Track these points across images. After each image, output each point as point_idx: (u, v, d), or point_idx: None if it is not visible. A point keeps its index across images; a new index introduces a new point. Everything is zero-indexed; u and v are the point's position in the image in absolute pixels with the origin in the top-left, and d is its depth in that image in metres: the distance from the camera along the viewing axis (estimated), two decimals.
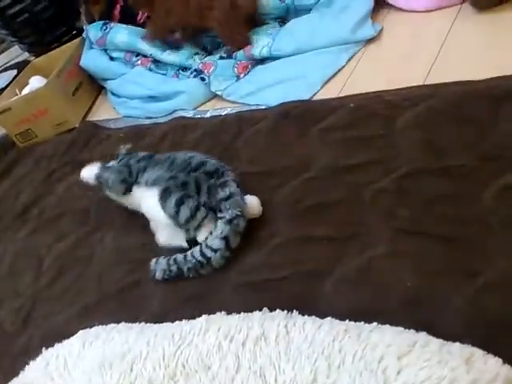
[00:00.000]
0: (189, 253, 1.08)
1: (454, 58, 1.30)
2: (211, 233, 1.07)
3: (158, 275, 1.10)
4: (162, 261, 1.11)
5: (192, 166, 1.13)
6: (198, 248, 1.07)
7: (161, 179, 1.13)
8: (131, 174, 1.21)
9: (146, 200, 1.15)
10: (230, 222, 1.05)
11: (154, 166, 1.18)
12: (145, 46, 1.84)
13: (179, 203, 1.07)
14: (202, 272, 1.07)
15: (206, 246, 1.06)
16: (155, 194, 1.11)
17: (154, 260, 1.13)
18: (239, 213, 1.06)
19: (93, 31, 1.96)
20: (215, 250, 1.05)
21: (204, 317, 0.90)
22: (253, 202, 1.13)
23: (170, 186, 1.10)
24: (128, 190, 1.21)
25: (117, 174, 1.22)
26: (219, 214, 1.07)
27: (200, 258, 1.05)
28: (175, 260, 1.09)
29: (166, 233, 1.15)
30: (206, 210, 1.07)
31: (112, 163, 1.29)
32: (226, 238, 1.05)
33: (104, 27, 1.95)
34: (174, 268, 1.08)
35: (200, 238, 1.09)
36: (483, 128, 1.06)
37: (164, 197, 1.09)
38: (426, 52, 1.35)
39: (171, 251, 1.13)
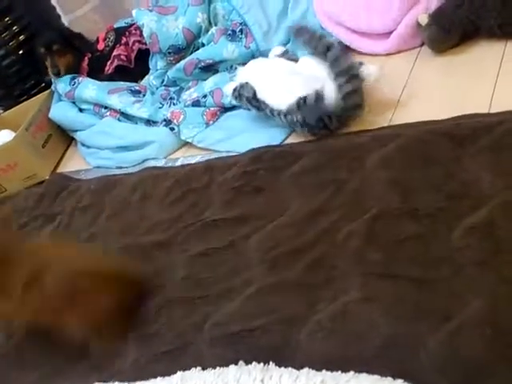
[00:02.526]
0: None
1: (416, 99, 1.33)
2: None
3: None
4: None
5: None
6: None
7: None
8: None
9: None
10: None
11: None
12: (113, 101, 1.85)
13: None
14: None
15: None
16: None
17: None
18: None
19: (61, 85, 1.97)
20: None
21: (179, 374, 0.88)
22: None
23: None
24: None
25: None
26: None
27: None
28: None
29: None
30: None
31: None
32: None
33: (72, 82, 1.95)
34: None
35: None
36: (448, 167, 1.07)
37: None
38: (389, 93, 1.38)
39: None
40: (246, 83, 1.44)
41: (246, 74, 1.49)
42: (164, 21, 1.82)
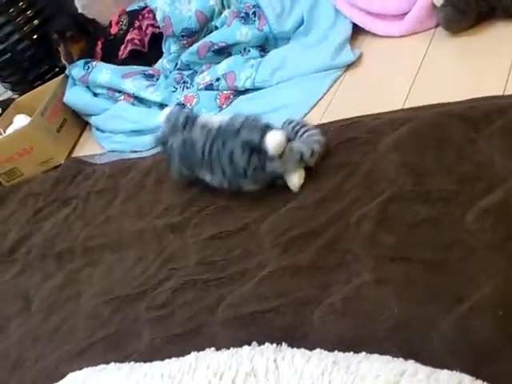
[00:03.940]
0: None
1: (430, 81, 1.32)
2: None
3: None
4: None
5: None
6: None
7: None
8: None
9: None
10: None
11: None
12: (127, 85, 1.86)
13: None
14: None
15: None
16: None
17: None
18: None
19: (75, 70, 1.98)
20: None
21: (193, 354, 0.89)
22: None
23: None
24: None
25: None
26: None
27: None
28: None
29: None
30: None
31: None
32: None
33: (86, 66, 1.96)
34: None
35: None
36: (462, 150, 1.07)
37: None
38: (403, 76, 1.37)
39: None
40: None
41: None
42: (177, 3, 1.82)
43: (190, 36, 1.84)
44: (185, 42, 1.85)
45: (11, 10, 2.12)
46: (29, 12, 2.14)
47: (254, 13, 1.73)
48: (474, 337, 0.79)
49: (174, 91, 1.79)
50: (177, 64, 1.89)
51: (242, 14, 1.75)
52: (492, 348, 0.76)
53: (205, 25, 1.84)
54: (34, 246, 1.58)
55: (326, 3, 1.65)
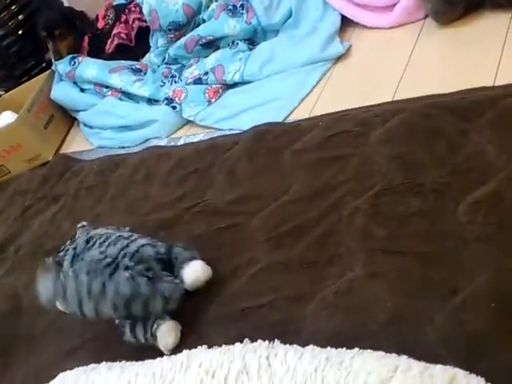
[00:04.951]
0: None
1: (420, 73, 1.31)
2: None
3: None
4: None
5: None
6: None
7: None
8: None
9: None
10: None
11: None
12: (114, 80, 1.84)
13: None
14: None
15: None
16: None
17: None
18: None
19: (61, 66, 1.95)
20: None
21: (185, 352, 0.88)
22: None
23: None
24: None
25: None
26: None
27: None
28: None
29: None
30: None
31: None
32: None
33: (72, 62, 1.93)
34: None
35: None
36: (453, 141, 1.07)
37: None
38: (393, 67, 1.36)
39: None
40: None
41: None
42: None
43: (178, 29, 1.82)
44: (172, 35, 1.83)
45: None
46: (13, 7, 2.12)
47: (242, 6, 1.71)
48: (467, 330, 0.78)
49: (162, 86, 1.78)
50: (164, 58, 1.87)
51: (230, 7, 1.73)
52: (485, 342, 0.76)
53: (192, 18, 1.82)
54: (22, 244, 1.56)
55: None
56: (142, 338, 1.01)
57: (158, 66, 1.88)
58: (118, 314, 1.01)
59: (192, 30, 1.81)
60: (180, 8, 1.79)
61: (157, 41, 1.89)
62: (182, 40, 1.78)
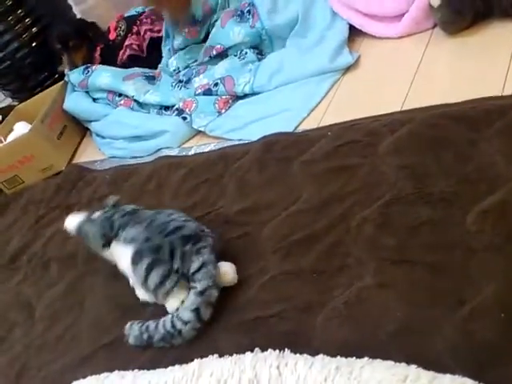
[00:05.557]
0: (161, 321, 1.04)
1: (429, 82, 1.32)
2: (183, 301, 1.03)
3: (131, 341, 1.07)
4: (135, 326, 1.08)
5: (169, 229, 1.08)
6: (169, 318, 1.03)
7: (136, 239, 1.09)
8: (112, 228, 1.16)
9: (122, 258, 1.13)
10: (201, 293, 1.01)
11: (134, 224, 1.14)
12: (127, 87, 1.86)
13: (149, 268, 1.04)
14: (173, 342, 1.02)
15: (177, 317, 1.02)
16: (129, 253, 1.09)
17: (128, 324, 1.09)
18: (211, 283, 1.02)
19: (74, 75, 1.98)
20: (186, 323, 1.01)
21: (196, 361, 0.89)
22: (227, 270, 1.08)
23: (143, 248, 1.07)
24: (107, 245, 1.17)
25: (98, 228, 1.18)
26: (191, 284, 1.03)
27: (170, 330, 1.01)
28: (147, 328, 1.05)
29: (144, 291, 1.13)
30: (176, 277, 1.04)
31: (97, 214, 1.23)
32: (197, 310, 1.01)
33: (86, 71, 1.97)
34: (145, 336, 1.05)
35: (169, 307, 1.06)
36: (462, 151, 1.07)
37: (135, 260, 1.07)
38: (402, 77, 1.37)
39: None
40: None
41: None
42: None
43: (192, 25, 1.83)
44: (186, 30, 1.84)
45: (10, 18, 2.13)
46: (27, 20, 2.16)
47: (249, 11, 1.72)
48: (476, 340, 0.78)
49: (171, 89, 1.80)
50: (188, 65, 1.88)
51: (238, 12, 1.75)
52: (494, 352, 0.76)
53: (208, 17, 1.83)
54: (36, 253, 1.58)
55: (322, 3, 1.64)
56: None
57: (177, 71, 1.88)
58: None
59: (206, 32, 1.83)
60: (200, 4, 1.81)
61: (172, 45, 1.90)
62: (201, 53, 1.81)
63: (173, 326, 1.02)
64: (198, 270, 1.03)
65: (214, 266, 1.05)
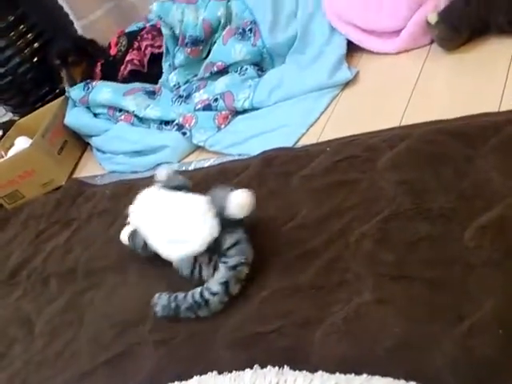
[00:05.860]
0: (190, 292, 1.08)
1: (426, 98, 1.33)
2: (213, 274, 1.07)
3: (158, 310, 1.12)
4: (164, 297, 1.12)
5: None
6: (198, 289, 1.07)
7: None
8: None
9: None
10: (232, 268, 1.06)
11: None
12: (128, 103, 1.87)
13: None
14: (199, 313, 1.07)
15: (206, 288, 1.06)
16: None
17: (157, 294, 1.14)
18: (243, 260, 1.06)
19: (75, 92, 2.00)
20: (214, 294, 1.05)
21: (196, 378, 0.89)
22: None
23: None
24: None
25: None
26: (223, 259, 1.07)
27: (198, 299, 1.06)
28: (176, 298, 1.10)
29: None
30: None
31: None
32: (226, 284, 1.05)
33: (86, 87, 1.98)
34: (173, 305, 1.09)
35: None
36: (459, 167, 1.08)
37: None
38: (400, 93, 1.38)
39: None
40: (135, 231, 1.28)
41: (136, 218, 1.25)
42: (186, 9, 1.84)
43: (195, 44, 1.84)
44: (189, 50, 1.85)
45: (12, 33, 2.15)
46: (29, 35, 2.17)
47: (251, 29, 1.74)
48: (476, 356, 0.78)
49: (171, 105, 1.81)
50: (188, 80, 1.89)
51: (240, 30, 1.76)
52: (494, 368, 0.76)
53: (209, 36, 1.84)
54: (36, 268, 1.58)
55: (320, 18, 1.66)
56: None
57: (177, 86, 1.89)
58: None
59: (209, 49, 1.84)
60: (200, 23, 1.82)
61: (173, 61, 1.91)
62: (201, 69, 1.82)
63: (201, 296, 1.06)
64: (232, 246, 1.06)
65: (247, 243, 1.09)
